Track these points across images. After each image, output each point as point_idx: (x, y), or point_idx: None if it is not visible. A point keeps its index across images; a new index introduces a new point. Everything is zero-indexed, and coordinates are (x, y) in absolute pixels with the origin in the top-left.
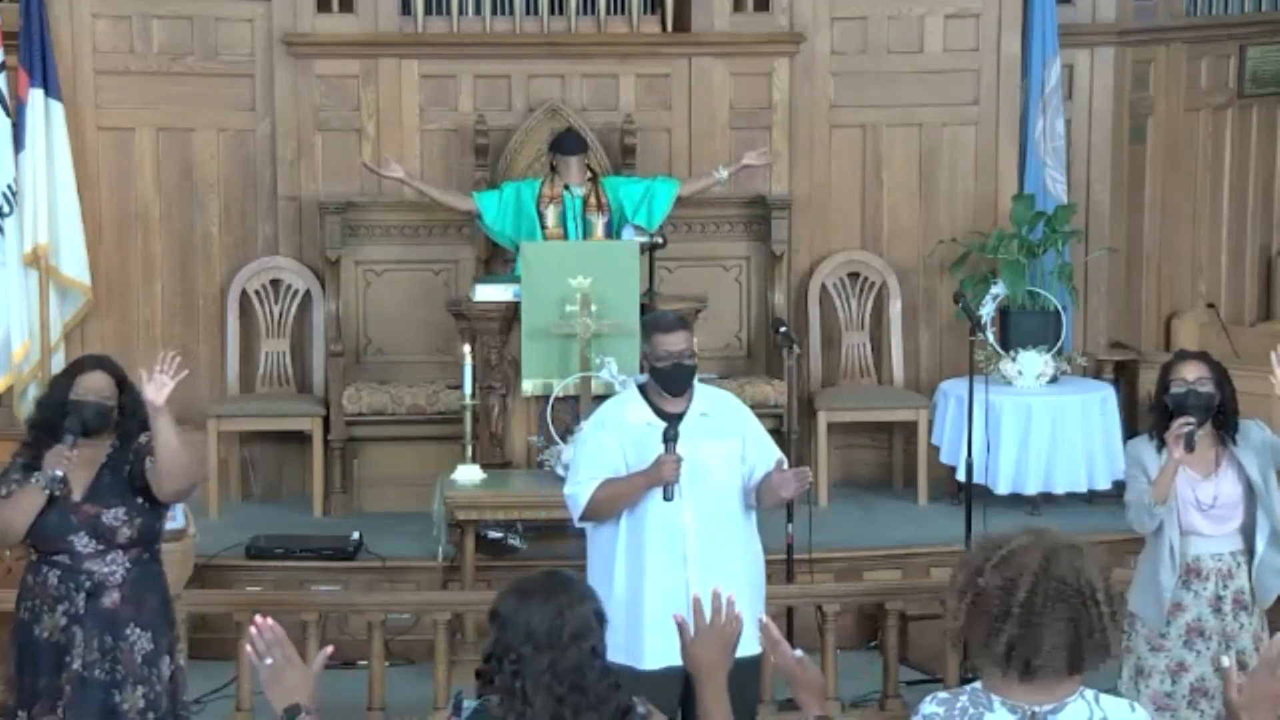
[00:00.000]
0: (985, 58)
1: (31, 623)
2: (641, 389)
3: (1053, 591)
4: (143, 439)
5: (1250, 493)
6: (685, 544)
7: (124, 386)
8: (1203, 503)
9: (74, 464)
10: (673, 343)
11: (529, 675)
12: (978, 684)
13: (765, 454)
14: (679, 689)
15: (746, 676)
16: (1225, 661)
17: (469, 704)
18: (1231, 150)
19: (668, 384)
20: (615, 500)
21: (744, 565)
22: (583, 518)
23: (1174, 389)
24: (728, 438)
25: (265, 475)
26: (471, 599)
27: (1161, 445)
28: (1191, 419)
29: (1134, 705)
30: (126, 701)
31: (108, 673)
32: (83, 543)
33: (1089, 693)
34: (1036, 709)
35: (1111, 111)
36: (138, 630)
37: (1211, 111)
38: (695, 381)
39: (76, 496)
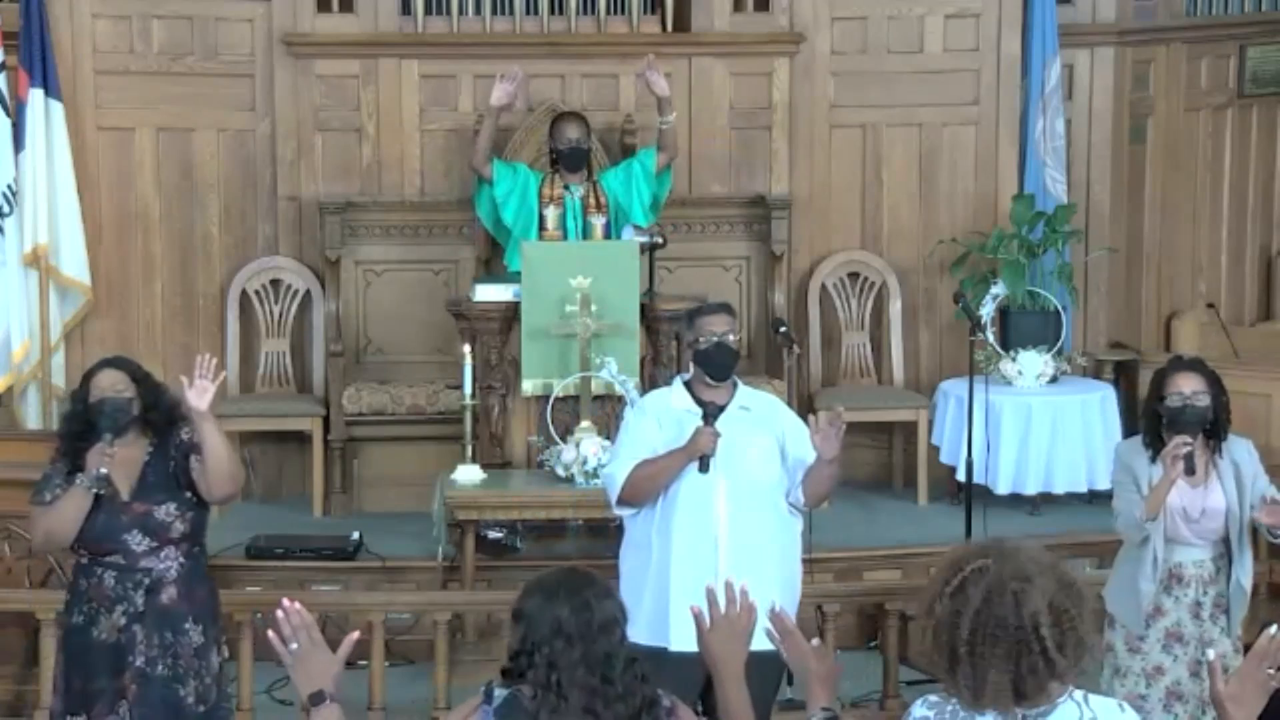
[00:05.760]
0: (985, 58)
1: (88, 625)
2: (687, 384)
3: (992, 630)
4: (184, 435)
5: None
6: (718, 531)
7: (139, 380)
8: (1190, 513)
9: (115, 460)
10: (715, 324)
11: (563, 668)
12: None
13: (807, 449)
14: (704, 673)
15: (770, 671)
16: (1211, 655)
17: (499, 692)
18: (1231, 150)
19: (710, 363)
20: (653, 477)
21: (778, 562)
22: (620, 500)
23: (1170, 401)
24: (767, 433)
25: (265, 475)
26: (471, 599)
27: (1155, 456)
28: (1189, 439)
29: (1123, 705)
30: (189, 695)
31: (169, 668)
32: (136, 541)
33: (1078, 693)
34: (1027, 713)
35: (1111, 111)
36: (191, 623)
37: (1211, 111)
38: (738, 380)
39: (124, 496)
